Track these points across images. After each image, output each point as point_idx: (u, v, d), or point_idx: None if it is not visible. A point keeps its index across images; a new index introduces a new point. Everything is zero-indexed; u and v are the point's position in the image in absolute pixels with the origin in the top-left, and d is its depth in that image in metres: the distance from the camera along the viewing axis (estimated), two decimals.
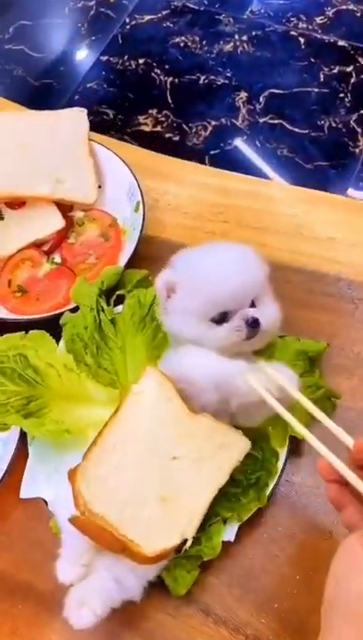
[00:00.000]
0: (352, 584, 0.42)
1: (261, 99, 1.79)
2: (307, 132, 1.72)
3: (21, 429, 0.67)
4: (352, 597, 0.42)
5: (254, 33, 1.92)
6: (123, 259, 0.79)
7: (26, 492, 0.66)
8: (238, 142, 1.73)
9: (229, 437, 0.61)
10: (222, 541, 0.62)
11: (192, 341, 0.61)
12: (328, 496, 0.51)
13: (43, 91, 1.87)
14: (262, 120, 1.76)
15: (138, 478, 0.57)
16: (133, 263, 0.78)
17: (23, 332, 0.70)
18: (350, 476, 0.48)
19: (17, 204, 0.84)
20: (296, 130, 1.73)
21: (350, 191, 1.62)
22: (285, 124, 1.74)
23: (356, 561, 0.43)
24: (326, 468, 0.50)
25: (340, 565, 0.44)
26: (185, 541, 0.57)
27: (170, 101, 1.81)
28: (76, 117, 0.88)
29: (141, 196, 0.81)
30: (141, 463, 0.58)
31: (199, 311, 0.59)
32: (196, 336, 0.60)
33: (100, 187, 0.86)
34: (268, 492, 0.64)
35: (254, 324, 0.59)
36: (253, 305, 0.60)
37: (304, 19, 1.93)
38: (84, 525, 0.55)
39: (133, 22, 1.99)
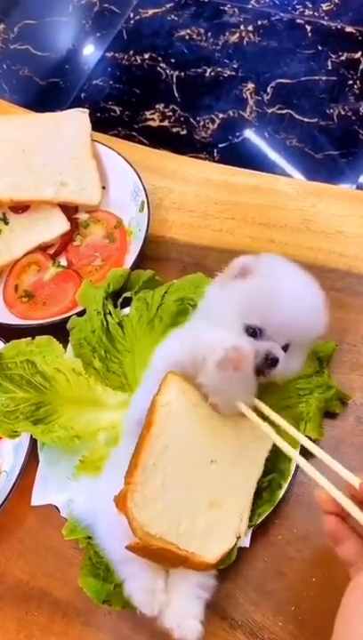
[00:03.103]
0: (361, 626, 0.42)
1: (268, 89, 1.76)
2: (316, 121, 1.69)
3: (32, 435, 0.66)
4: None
5: (259, 22, 1.89)
6: (129, 260, 0.78)
7: (37, 499, 0.66)
8: (247, 134, 1.71)
9: (256, 429, 0.60)
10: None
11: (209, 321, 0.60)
12: (326, 528, 0.49)
13: (49, 90, 1.86)
14: (269, 111, 1.73)
15: (184, 490, 0.57)
16: (139, 264, 0.77)
17: (30, 338, 0.70)
18: (353, 509, 0.47)
19: (21, 207, 0.84)
20: (305, 119, 1.70)
21: None
22: (293, 113, 1.71)
23: None
24: (325, 499, 0.48)
25: (349, 606, 0.44)
26: (238, 538, 0.58)
27: (176, 95, 1.79)
28: (78, 118, 0.87)
29: (146, 195, 0.81)
30: (183, 475, 0.57)
31: (246, 310, 0.58)
32: (220, 324, 0.58)
33: (104, 187, 0.85)
34: (282, 493, 0.63)
35: (271, 362, 0.57)
36: (285, 348, 0.58)
37: (310, 6, 1.89)
38: (143, 550, 0.54)
39: (138, 17, 1.97)
